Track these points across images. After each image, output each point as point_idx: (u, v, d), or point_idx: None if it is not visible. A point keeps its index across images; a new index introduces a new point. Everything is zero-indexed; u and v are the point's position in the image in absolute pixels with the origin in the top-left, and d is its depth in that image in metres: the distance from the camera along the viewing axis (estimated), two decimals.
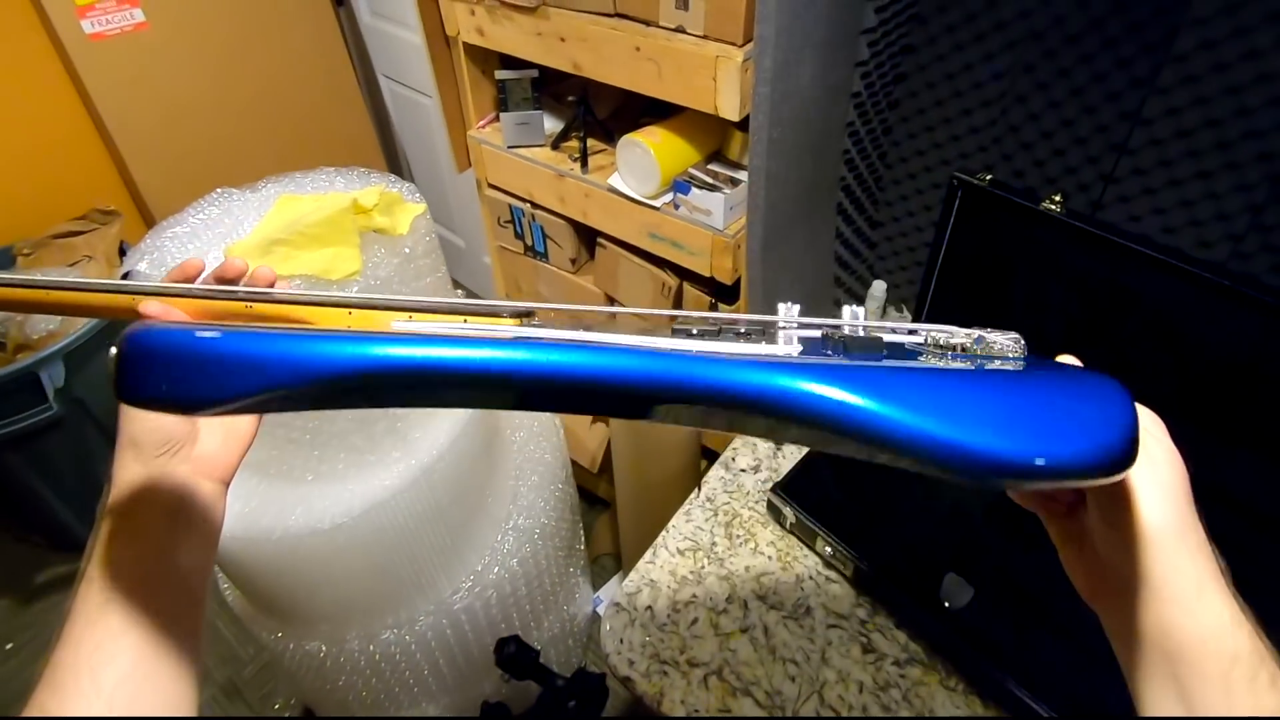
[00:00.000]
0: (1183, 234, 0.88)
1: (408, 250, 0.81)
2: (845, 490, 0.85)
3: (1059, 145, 0.91)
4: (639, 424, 1.18)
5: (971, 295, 0.92)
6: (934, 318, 0.97)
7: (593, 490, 1.66)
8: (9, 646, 1.51)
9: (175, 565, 0.38)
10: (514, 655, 1.00)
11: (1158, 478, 0.33)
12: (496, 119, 1.39)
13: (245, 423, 0.43)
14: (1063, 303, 0.85)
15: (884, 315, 1.13)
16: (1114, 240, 0.77)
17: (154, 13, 1.66)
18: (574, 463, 1.47)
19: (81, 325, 1.44)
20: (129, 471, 0.38)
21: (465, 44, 1.27)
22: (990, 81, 0.92)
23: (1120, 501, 0.33)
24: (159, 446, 0.38)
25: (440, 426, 0.87)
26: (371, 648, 0.93)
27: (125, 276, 0.79)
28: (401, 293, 0.81)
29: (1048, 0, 0.84)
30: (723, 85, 0.87)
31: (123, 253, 1.69)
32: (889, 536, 0.80)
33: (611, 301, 1.32)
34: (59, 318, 1.52)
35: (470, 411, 0.90)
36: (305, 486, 0.81)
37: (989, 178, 0.84)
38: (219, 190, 0.91)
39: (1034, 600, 0.74)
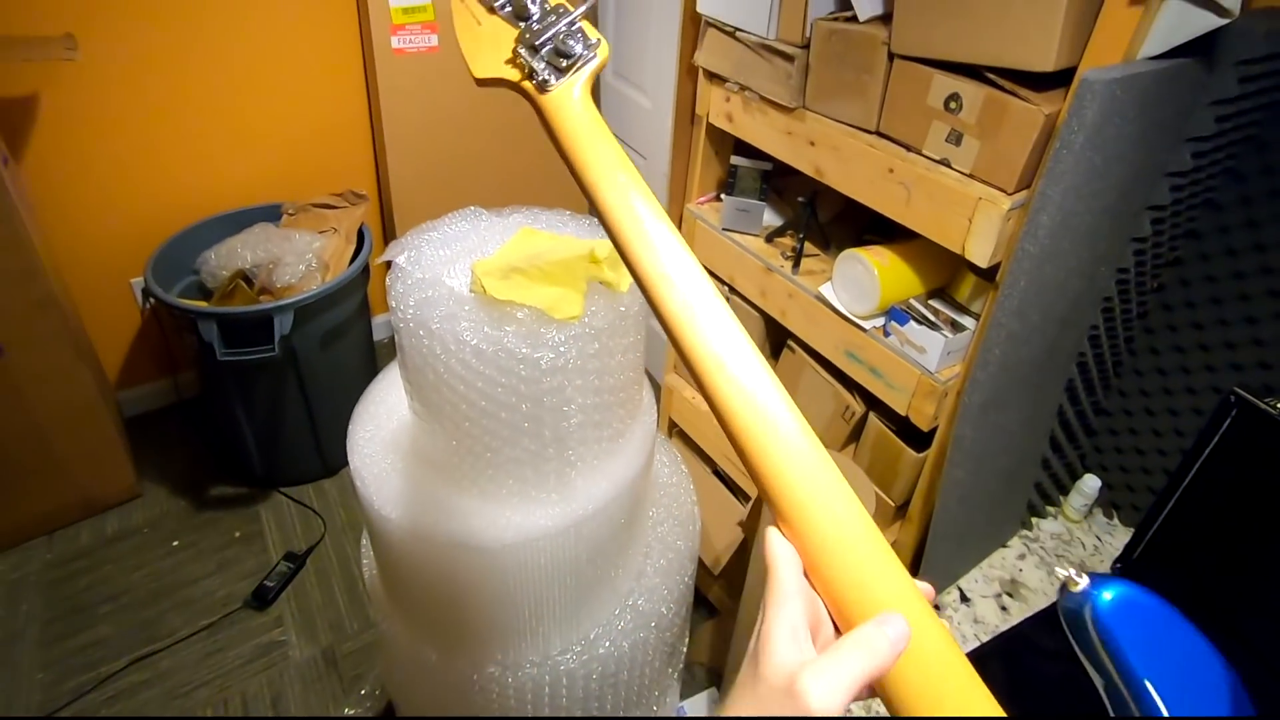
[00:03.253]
0: None
1: (623, 309, 0.83)
2: (1016, 709, 0.74)
3: None
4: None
5: (1218, 530, 0.79)
6: (1161, 540, 0.84)
7: (704, 591, 1.59)
8: (175, 544, 1.69)
9: None
10: None
11: None
12: (717, 199, 1.43)
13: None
14: None
15: (1089, 515, 1.01)
16: None
17: (446, 40, 1.93)
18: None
19: (315, 287, 1.63)
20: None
21: (710, 124, 1.33)
22: None
23: None
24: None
25: (600, 484, 0.87)
26: (475, 676, 0.93)
27: (387, 265, 0.88)
28: (610, 347, 0.83)
29: None
30: (978, 229, 0.83)
31: (360, 234, 1.91)
32: None
33: None
34: (301, 272, 1.73)
35: (629, 476, 0.90)
36: (470, 499, 0.84)
37: None
38: (471, 208, 0.99)
39: None
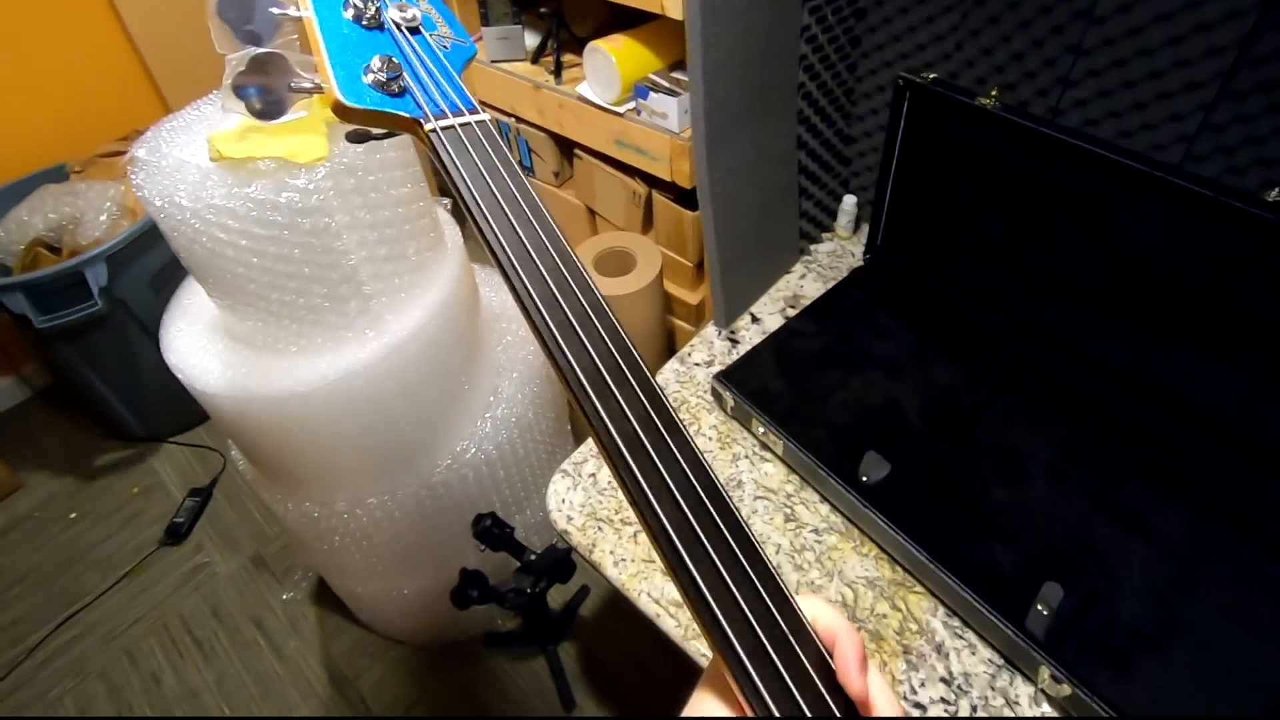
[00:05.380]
0: (1138, 138, 0.88)
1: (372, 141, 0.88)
2: (784, 380, 0.90)
3: (1018, 49, 0.91)
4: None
5: (924, 199, 0.94)
6: (891, 222, 1.00)
7: None
8: (72, 516, 1.71)
9: None
10: (489, 528, 1.11)
11: None
12: (479, 36, 1.43)
13: None
14: (1002, 201, 0.87)
15: (857, 230, 1.16)
16: (1048, 134, 0.78)
17: None
18: None
19: (122, 232, 1.57)
20: None
21: None
22: None
23: None
24: None
25: (411, 313, 0.95)
26: (359, 511, 1.04)
27: (129, 161, 0.89)
28: (373, 181, 0.88)
29: None
30: None
31: None
32: (820, 420, 0.85)
33: (592, 215, 1.36)
34: (105, 224, 1.66)
35: (439, 302, 0.98)
36: (288, 358, 0.91)
37: (932, 76, 0.85)
38: (215, 92, 0.99)
39: (946, 480, 0.79)
